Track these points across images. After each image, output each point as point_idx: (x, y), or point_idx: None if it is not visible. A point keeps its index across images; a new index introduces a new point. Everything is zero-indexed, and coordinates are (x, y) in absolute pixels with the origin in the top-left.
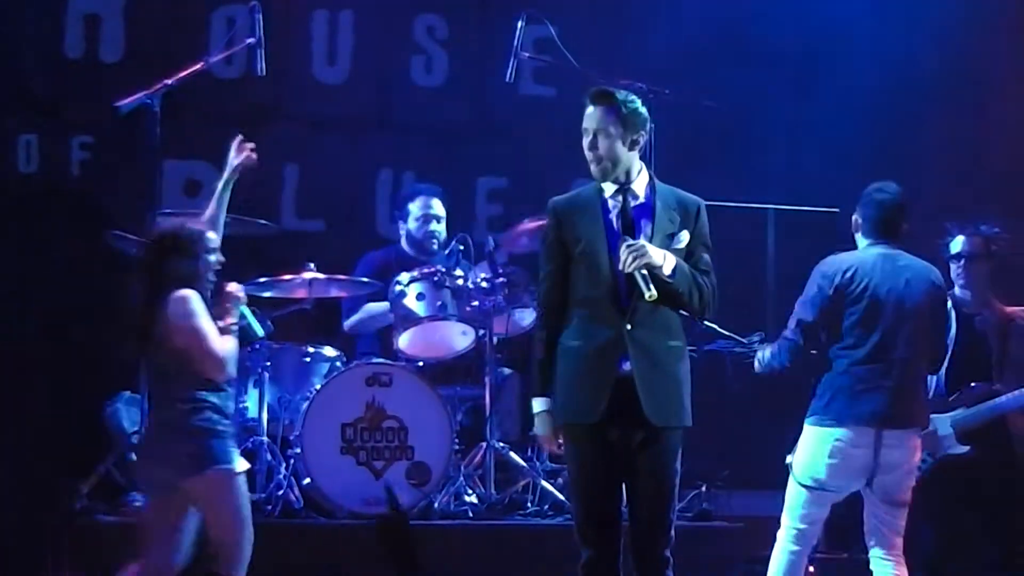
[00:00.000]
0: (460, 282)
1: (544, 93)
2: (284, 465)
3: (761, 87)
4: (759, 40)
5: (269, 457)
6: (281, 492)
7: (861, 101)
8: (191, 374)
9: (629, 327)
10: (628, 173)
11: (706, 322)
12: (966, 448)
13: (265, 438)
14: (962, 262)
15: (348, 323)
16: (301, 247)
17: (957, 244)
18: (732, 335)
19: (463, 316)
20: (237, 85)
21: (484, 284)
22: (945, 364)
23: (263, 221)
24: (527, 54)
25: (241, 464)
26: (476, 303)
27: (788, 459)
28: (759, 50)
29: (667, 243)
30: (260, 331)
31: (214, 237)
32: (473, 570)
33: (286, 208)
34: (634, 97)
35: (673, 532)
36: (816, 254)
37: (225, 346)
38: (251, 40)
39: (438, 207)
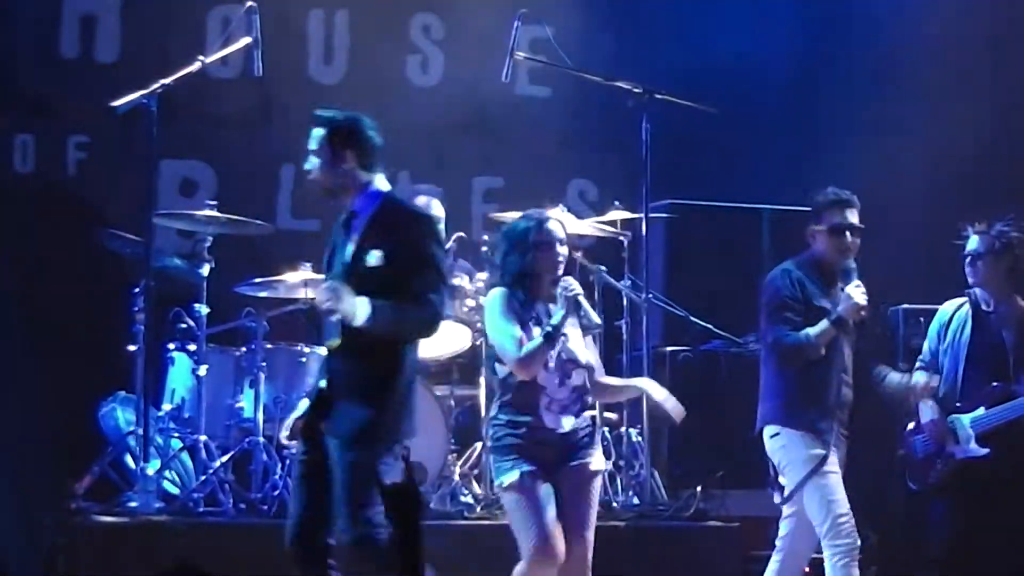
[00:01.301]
0: (457, 282)
1: (539, 93)
2: (280, 465)
3: (759, 88)
4: (757, 41)
5: (265, 457)
6: (277, 492)
7: (858, 102)
8: None
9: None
10: (346, 189)
11: (701, 322)
12: (986, 450)
13: (261, 438)
14: (975, 260)
15: None
16: (297, 247)
17: (970, 243)
18: (727, 335)
19: (459, 316)
20: (234, 85)
21: (480, 284)
22: (962, 364)
23: (259, 221)
24: (523, 54)
25: None
26: (473, 303)
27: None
28: (757, 51)
29: (364, 261)
30: None
31: None
32: (469, 570)
33: (282, 208)
34: (344, 116)
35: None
36: None
37: None
38: (248, 40)
39: (437, 208)
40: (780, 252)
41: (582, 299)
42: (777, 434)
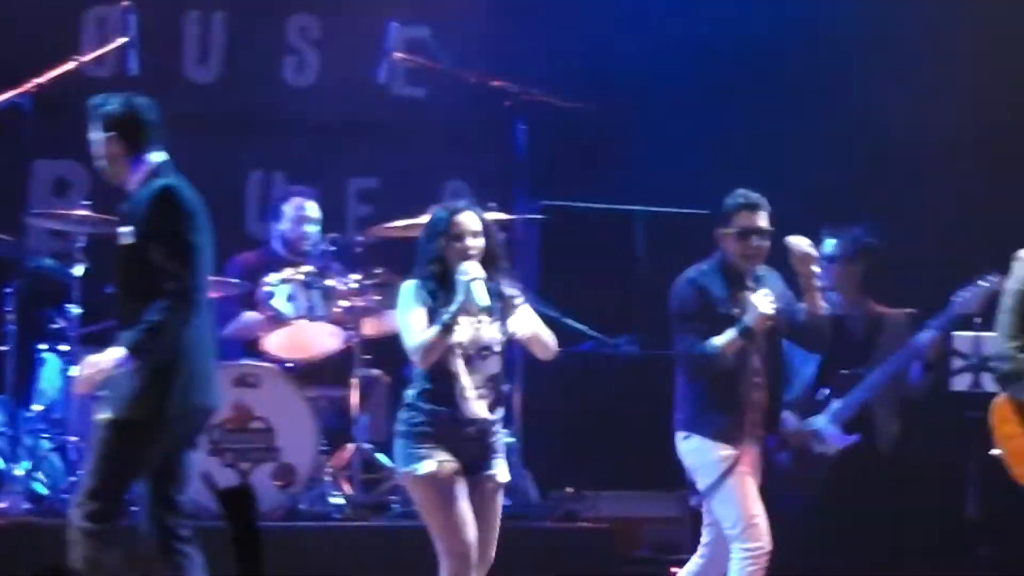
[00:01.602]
0: (330, 283)
1: (416, 94)
2: None
3: (636, 90)
4: (635, 41)
5: None
6: None
7: (737, 101)
8: None
9: None
10: (119, 174)
11: (575, 324)
12: (855, 436)
13: None
14: (830, 264)
15: (225, 331)
16: None
17: (826, 247)
18: (600, 337)
19: (332, 317)
20: (109, 85)
21: (354, 285)
22: (815, 368)
23: None
24: (399, 55)
25: None
26: (346, 304)
27: None
28: (635, 51)
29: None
30: None
31: None
32: (339, 572)
33: None
34: (107, 100)
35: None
36: (687, 257)
37: None
38: (124, 40)
39: (312, 209)
40: (654, 255)
41: (479, 284)
42: (688, 437)
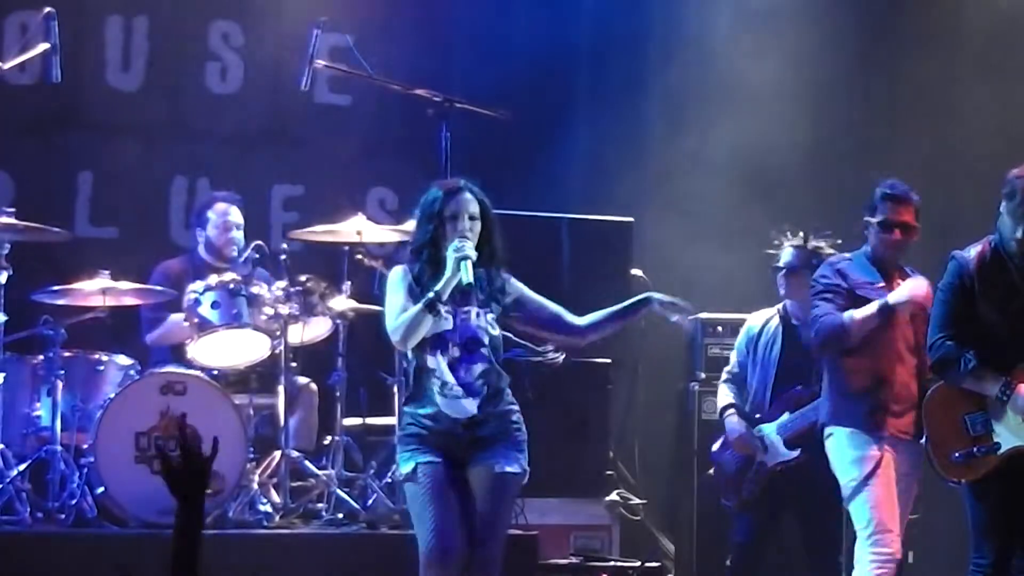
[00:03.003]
0: (255, 290)
1: (339, 101)
2: (77, 474)
3: (559, 96)
4: (557, 48)
5: (62, 466)
6: (74, 501)
7: (657, 106)
8: None
9: None
10: None
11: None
12: (795, 452)
13: (58, 447)
14: (789, 274)
15: (151, 336)
16: (95, 254)
17: (785, 256)
18: (526, 343)
19: (258, 324)
20: (31, 92)
21: (280, 293)
22: (772, 379)
23: (57, 228)
24: (322, 62)
25: None
26: (272, 311)
27: None
28: (556, 57)
29: None
30: None
31: None
32: None
33: (80, 215)
34: None
35: None
36: (611, 264)
37: None
38: (46, 46)
39: (236, 215)
40: (579, 261)
41: (468, 264)
42: (830, 434)
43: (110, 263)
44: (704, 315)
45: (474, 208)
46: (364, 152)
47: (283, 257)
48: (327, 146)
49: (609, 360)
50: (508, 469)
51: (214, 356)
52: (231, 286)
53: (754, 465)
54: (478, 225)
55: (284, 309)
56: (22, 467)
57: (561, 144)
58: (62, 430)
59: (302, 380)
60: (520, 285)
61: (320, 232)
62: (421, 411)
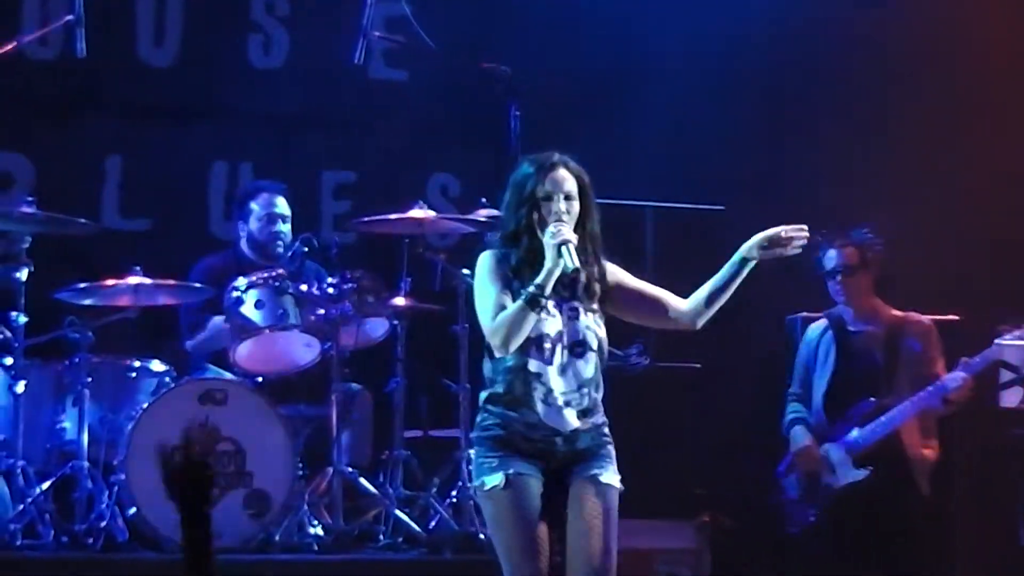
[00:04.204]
0: (304, 288)
1: (396, 77)
2: (107, 493)
3: (642, 71)
4: (640, 19)
5: (90, 484)
6: (104, 523)
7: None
8: None
9: None
10: None
11: None
12: (866, 471)
13: (86, 463)
14: (838, 277)
15: (192, 342)
16: (125, 249)
17: (830, 259)
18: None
19: (307, 326)
20: (54, 68)
21: (331, 291)
22: (824, 390)
23: (83, 220)
24: (377, 34)
25: None
26: (322, 311)
27: None
28: (641, 30)
29: None
30: None
31: None
32: None
33: (108, 205)
34: None
35: None
36: (701, 257)
37: None
38: (69, 18)
39: (283, 205)
40: (665, 254)
41: (570, 248)
42: None
43: (142, 258)
44: (804, 314)
45: (570, 186)
46: (424, 134)
47: (334, 251)
48: (383, 128)
49: (699, 364)
50: (614, 483)
51: (258, 361)
52: (277, 283)
53: (820, 488)
54: (576, 205)
55: (336, 309)
56: (45, 485)
57: (644, 123)
58: (89, 444)
59: (356, 387)
60: (617, 269)
61: (375, 223)
62: (516, 415)
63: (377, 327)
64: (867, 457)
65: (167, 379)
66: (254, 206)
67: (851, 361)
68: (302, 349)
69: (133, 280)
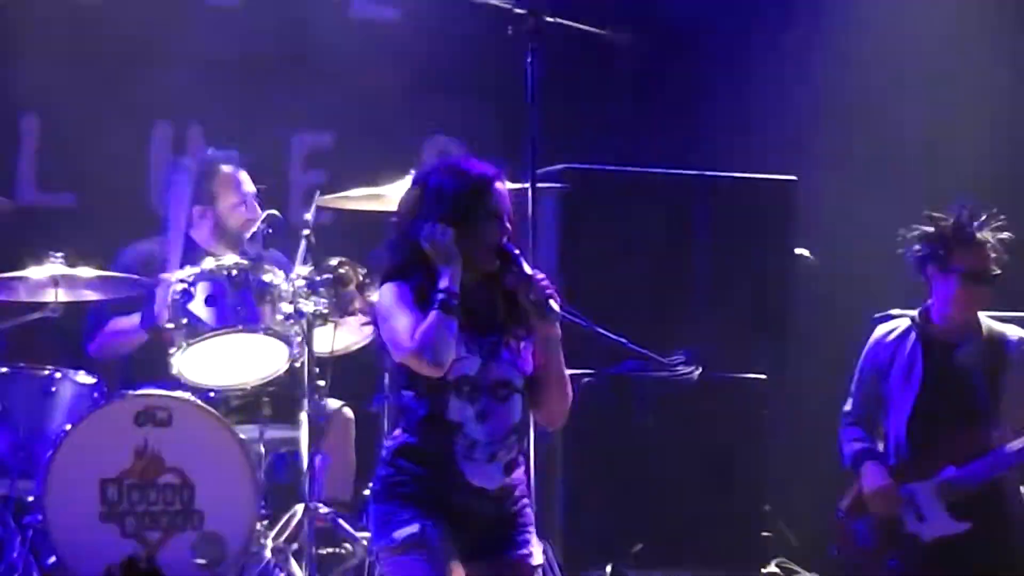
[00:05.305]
0: (267, 279)
1: (383, 15)
2: (19, 538)
3: (695, 15)
4: None
5: None
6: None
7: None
8: None
9: None
10: None
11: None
12: (964, 524)
13: None
14: (967, 283)
15: (93, 346)
16: (45, 230)
17: (958, 258)
18: (646, 352)
19: (271, 327)
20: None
21: (301, 282)
22: (908, 413)
23: None
24: None
25: None
26: (290, 308)
27: None
28: None
29: None
30: None
31: None
32: None
33: (23, 177)
34: None
35: None
36: (766, 238)
37: None
38: None
39: (249, 182)
40: (718, 234)
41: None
42: None
43: (65, 242)
44: (895, 312)
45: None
46: (418, 86)
47: (306, 233)
48: (367, 78)
49: (764, 375)
50: (536, 562)
51: (210, 371)
52: (233, 273)
53: (901, 537)
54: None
55: (308, 306)
56: None
57: (693, 78)
58: None
59: (333, 404)
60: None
61: (358, 198)
62: (429, 472)
63: (358, 329)
64: (964, 506)
65: (95, 394)
66: (219, 189)
67: (945, 379)
68: (265, 356)
69: (53, 269)
